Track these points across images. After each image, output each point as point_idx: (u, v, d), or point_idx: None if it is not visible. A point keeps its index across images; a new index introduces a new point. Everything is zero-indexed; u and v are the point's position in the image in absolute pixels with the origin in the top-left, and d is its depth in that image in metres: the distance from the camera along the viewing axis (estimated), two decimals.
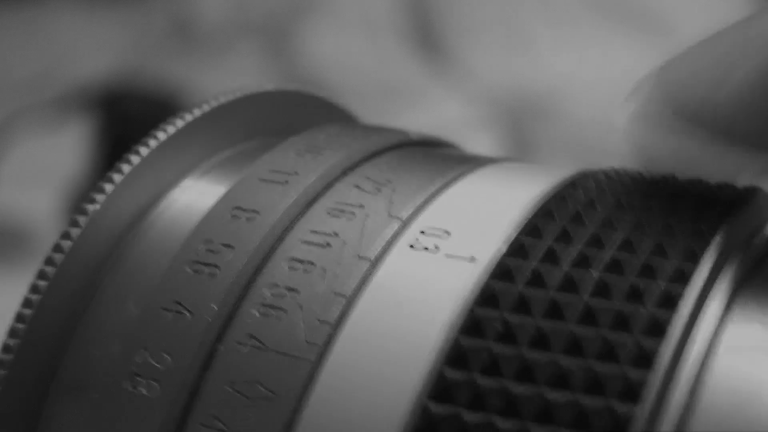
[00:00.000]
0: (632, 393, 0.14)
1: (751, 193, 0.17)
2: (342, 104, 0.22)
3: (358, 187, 0.17)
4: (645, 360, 0.14)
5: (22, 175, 0.53)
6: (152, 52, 0.67)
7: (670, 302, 0.15)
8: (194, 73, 0.62)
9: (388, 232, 0.16)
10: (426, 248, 0.16)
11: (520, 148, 0.56)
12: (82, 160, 0.52)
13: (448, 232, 0.16)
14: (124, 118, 0.53)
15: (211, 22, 0.69)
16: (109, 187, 0.18)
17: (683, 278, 0.15)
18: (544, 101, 0.59)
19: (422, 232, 0.16)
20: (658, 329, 0.14)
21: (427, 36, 0.67)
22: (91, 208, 0.17)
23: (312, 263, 0.16)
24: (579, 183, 0.17)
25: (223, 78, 0.61)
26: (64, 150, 0.54)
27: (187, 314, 0.16)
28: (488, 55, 0.64)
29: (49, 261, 0.17)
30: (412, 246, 0.16)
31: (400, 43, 0.66)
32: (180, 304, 0.16)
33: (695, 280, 0.15)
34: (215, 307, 0.16)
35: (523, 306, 0.15)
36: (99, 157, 0.52)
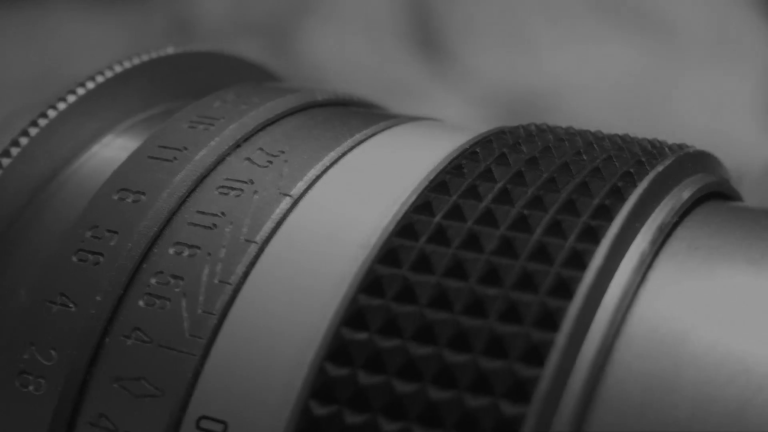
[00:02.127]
0: (536, 355, 0.13)
1: (675, 149, 0.16)
2: (264, 64, 0.20)
3: (249, 159, 0.16)
4: (550, 321, 0.13)
5: None
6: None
7: (577, 263, 0.14)
8: None
9: (278, 212, 0.15)
10: (315, 228, 0.15)
11: None
12: None
13: (336, 209, 0.15)
14: None
15: (211, 22, 0.69)
16: (5, 161, 0.17)
17: (593, 237, 0.14)
18: (544, 101, 0.59)
19: (312, 210, 0.15)
20: (566, 290, 0.14)
21: (427, 36, 0.67)
22: None
23: (197, 247, 0.15)
24: (494, 138, 0.16)
25: None
26: None
27: (72, 306, 0.15)
28: (488, 54, 0.64)
29: None
30: (299, 226, 0.15)
31: (400, 43, 0.66)
32: (65, 295, 0.15)
33: (605, 240, 0.14)
34: (99, 298, 0.15)
35: (422, 266, 0.14)
36: None
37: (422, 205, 0.15)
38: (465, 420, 0.13)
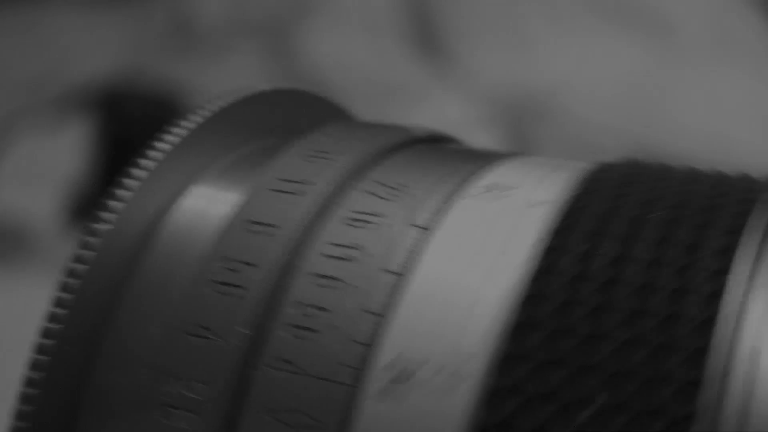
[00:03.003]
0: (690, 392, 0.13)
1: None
2: (336, 101, 0.21)
3: (371, 193, 0.17)
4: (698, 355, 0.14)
5: (22, 175, 0.53)
6: (152, 52, 0.67)
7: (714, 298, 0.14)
8: (194, 73, 0.62)
9: (411, 242, 0.16)
10: (451, 255, 0.16)
11: (520, 148, 0.56)
12: (82, 160, 0.52)
13: (474, 237, 0.16)
14: (124, 118, 0.52)
15: (211, 22, 0.69)
16: (115, 204, 0.17)
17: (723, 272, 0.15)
18: (544, 101, 0.59)
19: (446, 242, 0.16)
20: (706, 326, 0.14)
21: (427, 36, 0.67)
22: (100, 227, 0.17)
23: (337, 279, 0.16)
24: (601, 177, 0.17)
25: (223, 78, 0.61)
26: (64, 150, 0.54)
27: (215, 339, 0.15)
28: (488, 55, 0.64)
29: (65, 287, 0.16)
30: (438, 254, 0.16)
31: (400, 43, 0.66)
32: (206, 328, 0.15)
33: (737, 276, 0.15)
34: (244, 330, 0.15)
35: (565, 319, 0.14)
36: (99, 157, 0.52)
37: (564, 228, 0.16)
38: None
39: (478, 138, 0.61)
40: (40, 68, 0.65)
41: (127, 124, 0.52)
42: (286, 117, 0.20)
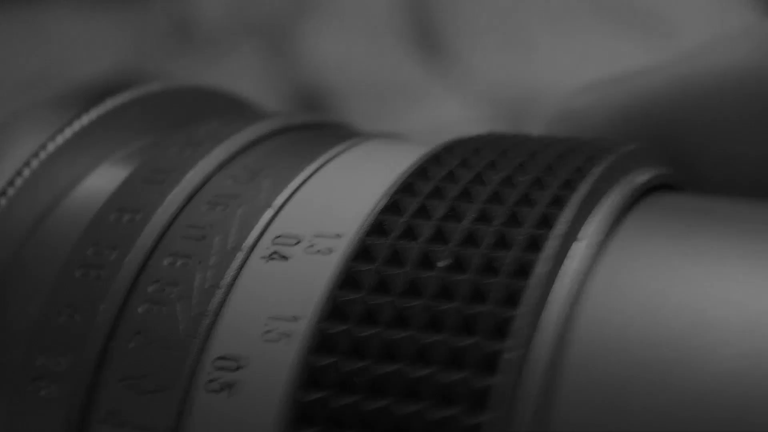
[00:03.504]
0: (502, 331, 0.14)
1: (617, 144, 0.17)
2: (243, 96, 0.22)
3: (233, 177, 0.18)
4: (512, 300, 0.14)
5: None
6: (152, 52, 0.67)
7: (534, 247, 0.15)
8: (194, 73, 0.62)
9: (261, 222, 0.17)
10: (295, 238, 0.17)
11: None
12: None
13: (316, 215, 0.17)
14: None
15: (211, 22, 0.69)
16: (8, 189, 0.18)
17: (547, 223, 0.15)
18: (544, 101, 0.59)
19: (291, 218, 0.17)
20: (523, 273, 0.15)
21: (427, 36, 0.67)
22: None
23: (189, 256, 0.17)
24: (453, 147, 0.18)
25: (223, 78, 0.61)
26: None
27: (78, 316, 0.17)
28: (488, 55, 0.64)
29: None
30: (279, 236, 0.17)
31: (400, 43, 0.66)
32: (71, 306, 0.17)
33: (559, 224, 0.15)
34: (102, 307, 0.16)
35: (393, 265, 0.15)
36: None
37: (391, 206, 0.16)
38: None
39: None
40: (40, 68, 0.65)
41: None
42: (184, 113, 0.21)
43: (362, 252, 0.16)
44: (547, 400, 0.14)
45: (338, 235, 0.16)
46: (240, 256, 0.17)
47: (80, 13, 0.71)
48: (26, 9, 0.71)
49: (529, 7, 0.67)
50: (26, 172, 0.19)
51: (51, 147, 0.19)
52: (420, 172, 0.17)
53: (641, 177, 0.17)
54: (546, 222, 0.15)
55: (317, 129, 0.21)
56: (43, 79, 0.63)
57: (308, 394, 0.15)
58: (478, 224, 0.16)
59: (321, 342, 0.15)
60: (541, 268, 0.15)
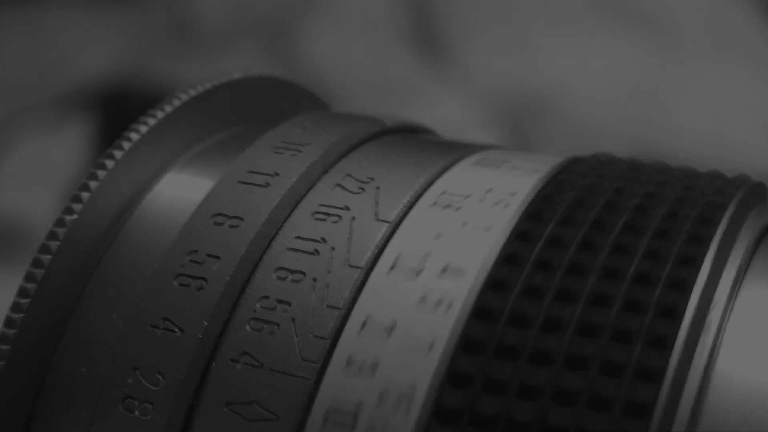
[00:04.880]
0: (639, 411, 0.13)
1: (741, 180, 0.17)
2: (309, 88, 0.21)
3: (340, 186, 0.17)
4: (649, 376, 0.14)
5: (22, 175, 0.53)
6: (152, 52, 0.67)
7: (680, 286, 0.14)
8: (194, 73, 0.62)
9: (378, 237, 0.16)
10: (415, 252, 0.15)
11: (520, 148, 0.56)
12: (82, 161, 0.52)
13: (438, 236, 0.16)
14: (124, 118, 0.52)
15: (211, 22, 0.69)
16: (82, 195, 0.17)
17: (691, 262, 0.15)
18: (544, 101, 0.59)
19: (412, 239, 0.16)
20: (670, 312, 0.14)
21: (427, 36, 0.67)
22: (66, 217, 0.17)
23: (301, 272, 0.15)
24: (574, 168, 0.17)
25: None
26: (64, 150, 0.54)
27: (177, 331, 0.15)
28: (488, 55, 0.64)
29: (28, 277, 0.16)
30: (401, 250, 0.15)
31: (400, 43, 0.66)
32: (169, 320, 0.15)
33: (704, 264, 0.15)
34: (205, 323, 0.15)
35: (519, 320, 0.14)
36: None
37: (522, 233, 0.15)
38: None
39: (478, 138, 0.60)
40: (40, 68, 0.65)
41: (127, 124, 0.52)
42: (258, 105, 0.20)
43: (495, 283, 0.15)
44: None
45: (460, 271, 0.15)
46: (359, 274, 0.15)
47: (80, 13, 0.71)
48: (26, 9, 0.71)
49: (529, 7, 0.67)
50: (105, 169, 0.17)
51: (133, 137, 0.18)
52: (546, 198, 0.16)
53: (762, 218, 0.17)
54: (690, 261, 0.15)
55: (409, 133, 0.19)
56: (43, 79, 0.63)
57: (441, 426, 0.14)
58: (616, 259, 0.15)
59: (442, 409, 0.14)
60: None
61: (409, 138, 0.19)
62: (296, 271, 0.15)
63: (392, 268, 0.15)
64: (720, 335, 0.14)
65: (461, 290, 0.15)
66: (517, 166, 0.17)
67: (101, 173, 0.17)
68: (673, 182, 0.17)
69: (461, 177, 0.17)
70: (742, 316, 0.15)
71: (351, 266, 0.15)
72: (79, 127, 0.54)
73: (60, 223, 0.16)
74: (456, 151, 0.18)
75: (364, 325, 0.15)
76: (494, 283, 0.15)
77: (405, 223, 0.16)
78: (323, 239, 0.16)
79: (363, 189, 0.17)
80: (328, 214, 0.16)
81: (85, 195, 0.17)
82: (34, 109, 0.53)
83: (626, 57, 0.62)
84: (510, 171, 0.17)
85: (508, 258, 0.15)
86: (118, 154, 0.17)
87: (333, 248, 0.16)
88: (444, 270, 0.15)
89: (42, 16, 0.71)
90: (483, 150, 0.18)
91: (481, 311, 0.14)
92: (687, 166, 0.18)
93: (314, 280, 0.15)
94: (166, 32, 0.69)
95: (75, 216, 0.17)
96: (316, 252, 0.16)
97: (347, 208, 0.16)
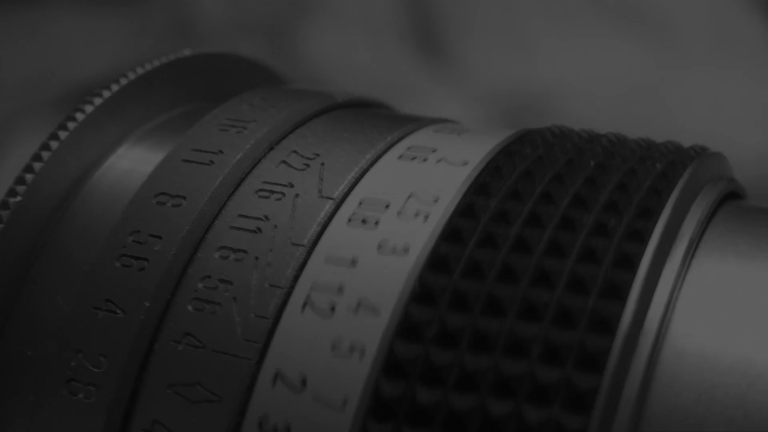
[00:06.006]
0: (593, 362, 0.13)
1: (698, 151, 0.17)
2: (271, 66, 0.21)
3: (285, 162, 0.16)
4: (604, 326, 0.13)
5: None
6: (152, 52, 0.66)
7: (627, 263, 0.14)
8: None
9: (320, 214, 0.15)
10: (363, 224, 0.15)
11: None
12: None
13: (385, 207, 0.15)
14: None
15: (211, 22, 0.69)
16: (26, 176, 0.17)
17: (638, 236, 0.14)
18: (544, 101, 0.59)
19: (356, 211, 0.15)
20: (616, 292, 0.14)
21: (427, 36, 0.67)
22: (10, 200, 0.16)
23: (243, 251, 0.15)
24: (526, 140, 0.17)
25: None
26: None
27: (120, 312, 0.15)
28: (488, 55, 0.64)
29: None
30: (348, 222, 0.15)
31: (400, 43, 0.66)
32: (111, 302, 0.15)
33: (652, 239, 0.14)
34: (147, 304, 0.15)
35: (474, 271, 0.14)
36: None
37: (466, 208, 0.15)
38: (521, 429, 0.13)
39: None
40: (40, 68, 0.65)
41: None
42: (214, 82, 0.20)
43: (437, 261, 0.14)
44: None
45: (406, 248, 0.15)
46: (301, 252, 0.15)
47: (80, 13, 0.71)
48: (26, 9, 0.71)
49: (530, 7, 0.67)
50: (54, 144, 0.17)
51: (79, 116, 0.17)
52: (494, 170, 0.16)
53: (720, 185, 0.16)
54: (637, 236, 0.14)
55: (360, 108, 0.19)
56: (43, 79, 0.63)
57: (390, 385, 0.13)
58: (562, 234, 0.14)
59: (392, 364, 0.14)
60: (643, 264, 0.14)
61: (360, 113, 0.19)
62: (238, 250, 0.15)
63: (334, 245, 0.15)
64: (669, 311, 0.14)
65: (417, 240, 0.14)
66: (469, 138, 0.17)
67: (45, 154, 0.17)
68: (627, 153, 0.16)
69: (416, 142, 0.17)
70: (693, 292, 0.14)
71: (293, 244, 0.15)
72: None
73: (4, 205, 0.16)
74: (407, 123, 0.17)
75: (305, 304, 0.14)
76: (447, 241, 0.14)
77: (350, 197, 0.16)
78: (266, 217, 0.16)
79: (308, 165, 0.16)
80: (272, 192, 0.16)
81: (29, 177, 0.17)
82: (34, 109, 0.53)
83: (626, 57, 0.62)
84: (468, 137, 0.17)
85: (453, 232, 0.15)
86: (62, 134, 0.17)
87: (275, 226, 0.15)
88: (395, 245, 0.15)
89: (42, 16, 0.71)
90: (436, 123, 0.18)
91: (436, 261, 0.14)
92: (644, 137, 0.18)
93: (256, 258, 0.15)
94: (166, 32, 0.69)
95: (19, 198, 0.16)
96: (259, 230, 0.15)
97: (291, 185, 0.16)
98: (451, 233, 0.15)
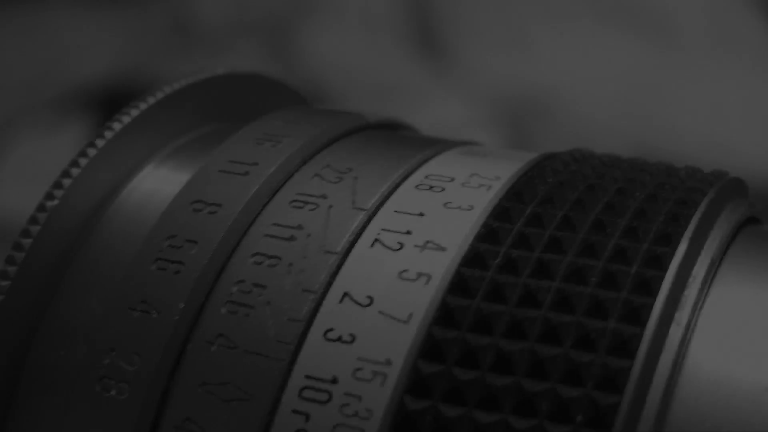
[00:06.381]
0: (612, 382, 0.13)
1: (717, 176, 0.17)
2: (292, 86, 0.21)
3: (318, 176, 0.17)
4: (624, 349, 0.14)
5: (22, 175, 0.53)
6: (152, 52, 0.67)
7: (646, 288, 0.14)
8: (194, 73, 0.62)
9: (353, 224, 0.16)
10: (394, 240, 0.16)
11: (520, 148, 0.56)
12: None
13: (415, 221, 0.16)
14: None
15: (211, 22, 0.69)
16: (63, 181, 0.17)
17: (658, 263, 0.15)
18: (544, 101, 0.59)
19: (389, 224, 0.16)
20: (635, 316, 0.14)
21: (427, 36, 0.67)
22: (47, 203, 0.17)
23: (277, 257, 0.16)
24: (547, 165, 0.17)
25: None
26: (64, 150, 0.54)
27: (154, 313, 0.15)
28: (488, 55, 0.64)
29: (8, 260, 0.17)
30: (377, 240, 0.16)
31: (400, 43, 0.66)
32: (146, 302, 0.15)
33: (672, 265, 0.15)
34: (182, 305, 0.15)
35: (496, 294, 0.15)
36: None
37: (501, 212, 0.16)
38: (559, 409, 0.13)
39: (479, 138, 0.60)
40: (40, 68, 0.65)
41: None
42: (242, 101, 0.20)
43: (459, 285, 0.15)
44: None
45: (442, 247, 0.15)
46: (334, 260, 0.15)
47: (80, 13, 0.71)
48: (26, 9, 0.71)
49: (529, 7, 0.67)
50: (87, 157, 0.17)
51: (115, 127, 0.18)
52: (527, 181, 0.16)
53: (740, 209, 0.17)
54: (657, 261, 0.15)
55: (391, 129, 0.20)
56: (43, 79, 0.63)
57: (415, 402, 0.14)
58: (582, 259, 0.15)
59: (417, 381, 0.14)
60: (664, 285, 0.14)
61: (391, 134, 0.19)
62: (272, 257, 0.16)
63: (371, 247, 0.16)
64: (687, 337, 0.14)
65: (441, 264, 0.15)
66: (500, 156, 0.17)
67: (83, 161, 0.17)
68: (652, 173, 0.17)
69: (444, 164, 0.17)
70: (712, 314, 0.15)
71: (327, 252, 0.16)
72: (79, 127, 0.54)
73: (41, 208, 0.17)
74: (436, 144, 0.18)
75: (341, 301, 0.15)
76: (473, 258, 0.15)
77: (383, 209, 0.16)
78: (300, 226, 0.16)
79: (341, 179, 0.17)
80: (306, 202, 0.16)
81: (66, 181, 0.17)
82: (34, 109, 0.53)
83: (626, 57, 0.62)
84: (492, 160, 0.17)
85: (488, 234, 0.15)
86: (100, 143, 0.18)
87: (309, 235, 0.16)
88: (424, 246, 0.15)
89: (42, 16, 0.71)
90: (464, 145, 0.19)
91: (459, 284, 0.15)
92: (665, 161, 0.18)
93: (290, 264, 0.15)
94: (166, 32, 0.69)
95: (56, 201, 0.17)
96: (293, 238, 0.16)
97: (324, 197, 0.16)
98: (473, 258, 0.15)
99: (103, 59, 0.65)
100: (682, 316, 0.14)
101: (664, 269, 0.15)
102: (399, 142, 0.18)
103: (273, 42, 0.67)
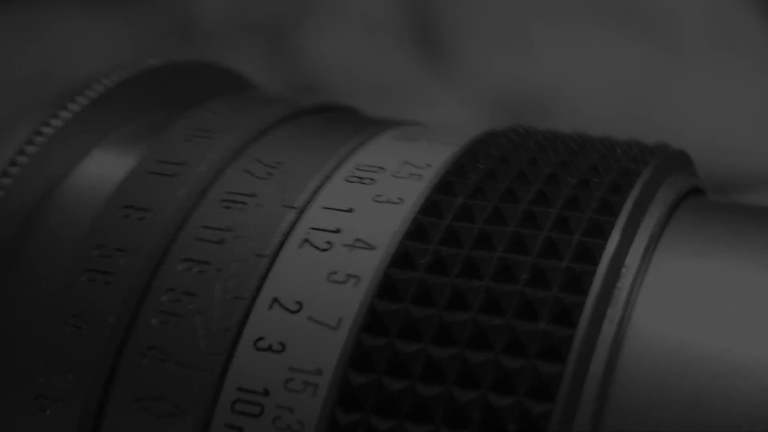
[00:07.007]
0: (555, 352, 0.13)
1: (660, 148, 0.17)
2: (239, 71, 0.21)
3: (248, 172, 0.16)
4: (566, 317, 0.13)
5: None
6: (152, 52, 0.67)
7: (577, 286, 0.14)
8: None
9: (282, 224, 0.15)
10: (322, 239, 0.15)
11: None
12: None
13: (344, 218, 0.15)
14: None
15: (211, 22, 0.69)
16: (5, 181, 0.17)
17: (600, 232, 0.14)
18: (545, 101, 0.59)
19: (318, 222, 0.15)
20: (577, 285, 0.14)
21: (427, 36, 0.67)
22: None
23: (206, 263, 0.15)
24: (479, 150, 0.17)
25: None
26: None
27: (85, 328, 0.15)
28: (488, 54, 0.64)
29: None
30: (306, 240, 0.15)
31: (400, 43, 0.66)
32: (77, 317, 0.15)
33: (603, 258, 0.14)
34: (112, 319, 0.15)
35: (425, 296, 0.14)
36: None
37: (430, 207, 0.15)
38: (490, 419, 0.13)
39: None
40: (40, 68, 0.65)
41: None
42: (181, 89, 0.20)
43: (402, 258, 0.14)
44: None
45: (371, 246, 0.15)
46: (264, 263, 0.15)
47: (80, 13, 0.71)
48: (26, 9, 0.71)
49: (529, 7, 0.67)
50: (21, 159, 0.17)
51: (46, 130, 0.17)
52: (459, 170, 0.16)
53: (682, 181, 0.16)
54: (599, 230, 0.14)
55: (326, 113, 0.19)
56: (43, 79, 0.63)
57: (345, 415, 0.13)
58: (524, 229, 0.14)
59: (347, 392, 0.14)
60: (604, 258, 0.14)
61: (324, 119, 0.19)
62: (202, 262, 0.15)
63: (299, 248, 0.15)
64: (629, 307, 0.14)
65: (370, 264, 0.15)
66: (432, 138, 0.17)
67: (13, 170, 0.17)
68: (590, 151, 0.17)
69: (375, 152, 0.17)
70: (653, 287, 0.14)
71: (256, 255, 0.15)
72: None
73: None
74: (369, 128, 0.17)
75: (270, 307, 0.15)
76: (401, 258, 0.14)
77: (312, 205, 0.16)
78: (229, 228, 0.16)
79: (271, 174, 0.16)
80: (235, 202, 0.16)
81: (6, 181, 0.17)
82: (34, 109, 0.53)
83: (626, 57, 0.62)
84: (425, 144, 0.17)
85: (417, 231, 0.15)
86: (21, 159, 0.17)
87: (238, 237, 0.15)
88: (353, 245, 0.15)
89: (42, 16, 0.71)
90: (397, 126, 0.18)
91: (387, 287, 0.14)
92: (606, 135, 0.18)
93: (219, 270, 0.15)
94: (166, 32, 0.69)
95: None
96: (222, 241, 0.15)
97: (254, 195, 0.16)
98: (402, 258, 0.15)
99: (103, 59, 0.65)
100: (614, 312, 0.14)
101: (596, 263, 0.14)
102: (332, 128, 0.18)
103: (273, 42, 0.67)
